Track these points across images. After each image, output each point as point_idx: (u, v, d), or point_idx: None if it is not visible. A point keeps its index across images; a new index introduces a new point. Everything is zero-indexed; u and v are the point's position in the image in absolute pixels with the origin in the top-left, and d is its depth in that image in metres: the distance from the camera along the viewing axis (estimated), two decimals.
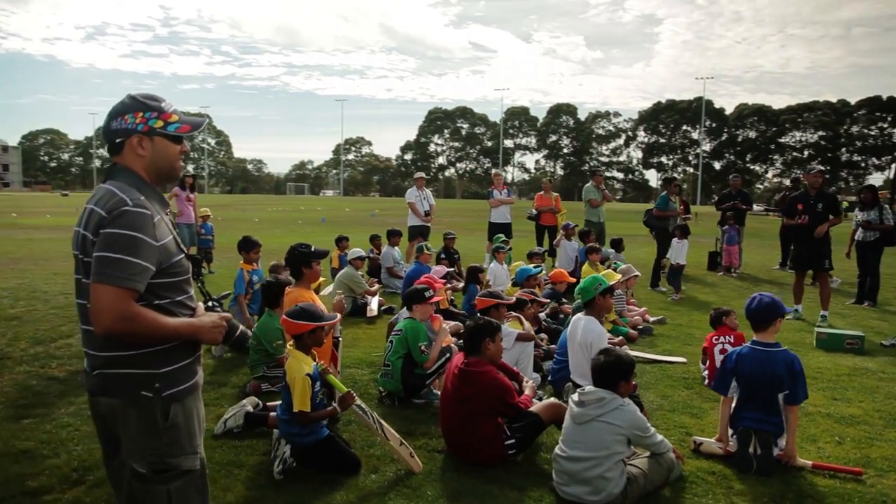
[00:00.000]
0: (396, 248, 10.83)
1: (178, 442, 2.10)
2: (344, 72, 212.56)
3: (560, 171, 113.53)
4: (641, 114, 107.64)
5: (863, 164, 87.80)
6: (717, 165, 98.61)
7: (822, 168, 8.43)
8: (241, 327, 1.72)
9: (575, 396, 3.50)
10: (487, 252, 13.63)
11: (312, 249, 4.76)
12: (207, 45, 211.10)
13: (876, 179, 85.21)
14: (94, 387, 2.10)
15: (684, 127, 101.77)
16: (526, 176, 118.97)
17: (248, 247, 6.94)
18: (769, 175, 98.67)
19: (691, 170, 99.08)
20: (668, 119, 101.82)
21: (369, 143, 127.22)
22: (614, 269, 8.22)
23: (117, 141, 2.10)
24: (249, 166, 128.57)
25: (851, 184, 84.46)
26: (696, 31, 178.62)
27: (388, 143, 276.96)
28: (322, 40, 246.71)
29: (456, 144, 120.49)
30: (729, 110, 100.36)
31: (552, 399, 4.22)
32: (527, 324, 5.31)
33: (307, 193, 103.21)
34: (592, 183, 13.14)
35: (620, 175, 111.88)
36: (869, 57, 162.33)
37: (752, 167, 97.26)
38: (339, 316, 3.87)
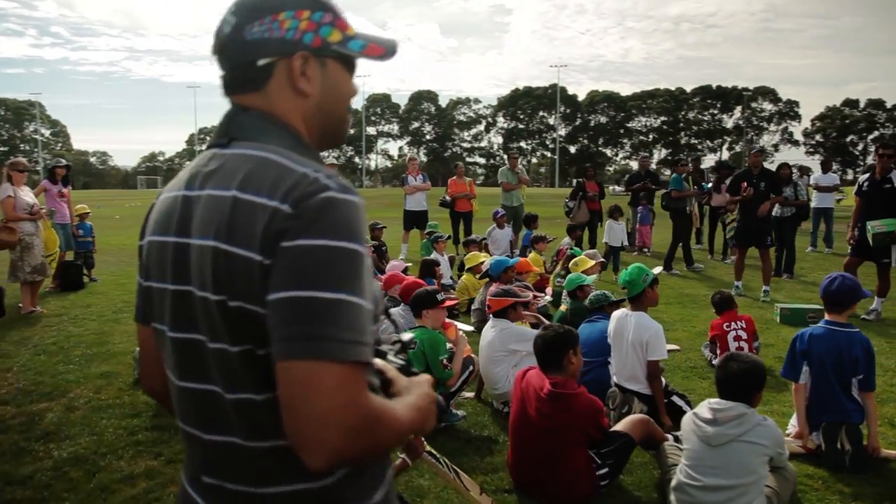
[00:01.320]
0: None
1: None
2: (193, 57, 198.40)
3: (424, 158, 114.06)
4: (500, 100, 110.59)
5: (699, 147, 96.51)
6: (572, 149, 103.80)
7: (762, 148, 8.80)
8: (437, 395, 1.08)
9: (704, 412, 2.93)
10: (403, 242, 12.86)
11: None
12: (33, 25, 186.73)
13: (709, 160, 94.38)
14: None
15: (541, 113, 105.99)
16: (389, 163, 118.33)
17: None
18: (618, 158, 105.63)
19: (549, 154, 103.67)
20: (526, 105, 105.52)
21: None
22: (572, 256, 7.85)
23: (260, 63, 1.08)
24: (92, 159, 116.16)
25: (690, 165, 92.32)
26: (543, 21, 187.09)
27: None
28: (166, 24, 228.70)
29: None
30: (580, 97, 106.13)
31: (638, 415, 3.63)
32: (547, 322, 4.69)
33: (160, 187, 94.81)
34: (507, 166, 12.79)
35: (482, 160, 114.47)
36: (694, 50, 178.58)
37: (603, 150, 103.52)
38: None
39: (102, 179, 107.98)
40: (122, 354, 5.85)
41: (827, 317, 3.85)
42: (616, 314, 4.28)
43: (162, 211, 1.14)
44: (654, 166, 14.00)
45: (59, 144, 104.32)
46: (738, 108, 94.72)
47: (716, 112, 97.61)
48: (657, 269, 4.42)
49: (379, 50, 1.18)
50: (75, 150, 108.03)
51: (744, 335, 5.19)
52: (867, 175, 7.39)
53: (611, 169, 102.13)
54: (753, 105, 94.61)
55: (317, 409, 0.87)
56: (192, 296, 1.04)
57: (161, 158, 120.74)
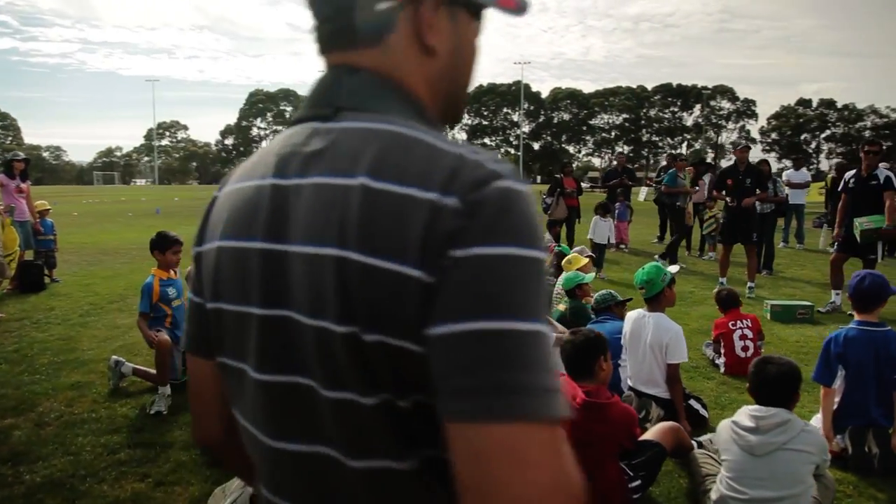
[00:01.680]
0: None
1: None
2: (150, 51, 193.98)
3: None
4: None
5: (660, 144, 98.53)
6: (535, 146, 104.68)
7: (748, 144, 8.70)
8: None
9: (744, 420, 2.77)
10: None
11: None
12: None
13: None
14: None
15: (505, 109, 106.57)
16: None
17: (164, 245, 4.89)
18: (581, 154, 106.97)
19: (513, 150, 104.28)
20: (490, 102, 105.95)
21: (185, 128, 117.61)
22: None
23: (380, 8, 0.78)
24: (45, 154, 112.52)
25: (651, 162, 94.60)
26: (506, 18, 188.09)
27: (207, 128, 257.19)
28: (122, 15, 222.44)
29: (280, 128, 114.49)
30: (543, 94, 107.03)
31: (667, 422, 3.46)
32: (560, 326, 4.50)
33: (118, 183, 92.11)
34: None
35: None
36: (653, 48, 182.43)
37: (566, 147, 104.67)
38: None
39: (56, 175, 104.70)
40: (93, 362, 5.44)
41: (857, 317, 3.72)
42: (631, 315, 4.12)
43: (238, 206, 0.82)
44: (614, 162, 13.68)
45: (10, 138, 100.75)
46: (698, 107, 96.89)
47: (676, 110, 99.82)
48: (674, 268, 4.27)
49: (511, 3, 0.92)
50: (27, 145, 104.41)
51: (749, 334, 5.08)
52: (853, 172, 7.42)
53: (574, 166, 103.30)
54: (712, 103, 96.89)
55: (519, 492, 0.61)
56: (293, 324, 0.74)
57: (118, 154, 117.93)
